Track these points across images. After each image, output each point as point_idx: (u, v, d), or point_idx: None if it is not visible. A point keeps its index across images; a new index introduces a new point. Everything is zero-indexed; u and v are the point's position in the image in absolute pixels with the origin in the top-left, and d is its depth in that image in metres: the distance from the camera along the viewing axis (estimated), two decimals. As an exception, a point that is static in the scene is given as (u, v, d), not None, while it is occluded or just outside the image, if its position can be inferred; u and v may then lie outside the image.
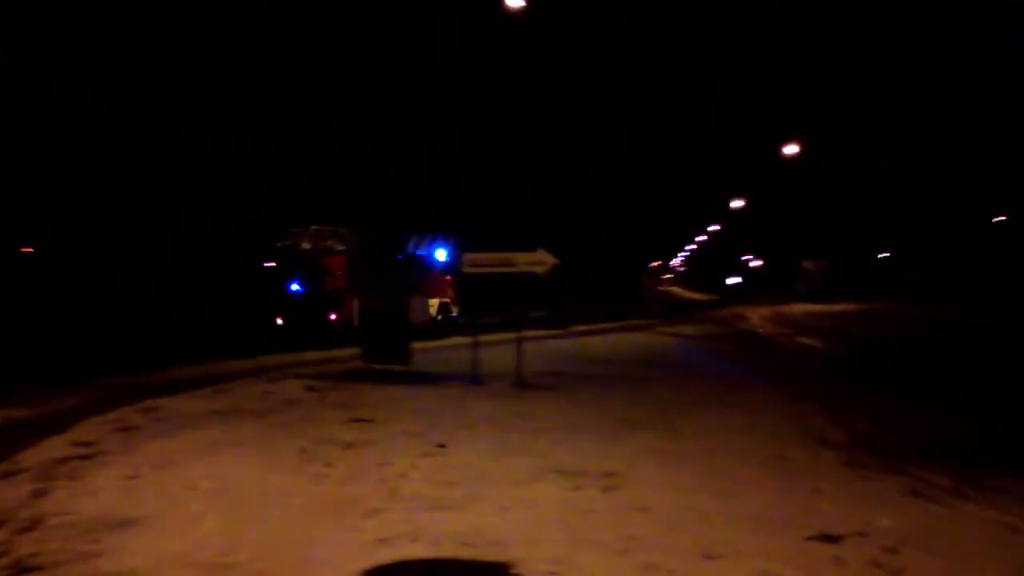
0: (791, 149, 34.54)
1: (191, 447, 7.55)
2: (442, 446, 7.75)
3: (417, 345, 17.03)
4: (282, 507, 5.78)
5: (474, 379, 12.36)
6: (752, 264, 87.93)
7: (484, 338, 17.91)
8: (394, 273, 13.09)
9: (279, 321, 20.54)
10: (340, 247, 21.19)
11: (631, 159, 38.02)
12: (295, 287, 21.01)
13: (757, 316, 37.68)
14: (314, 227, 21.53)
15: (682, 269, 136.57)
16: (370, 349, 13.01)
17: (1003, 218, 48.75)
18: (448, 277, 23.88)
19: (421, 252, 22.78)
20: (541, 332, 23.40)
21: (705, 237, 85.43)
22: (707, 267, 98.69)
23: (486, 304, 13.43)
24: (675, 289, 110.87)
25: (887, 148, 38.91)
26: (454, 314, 24.16)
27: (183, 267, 24.78)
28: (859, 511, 5.75)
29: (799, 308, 46.33)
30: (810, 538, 5.19)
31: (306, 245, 21.27)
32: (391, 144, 30.34)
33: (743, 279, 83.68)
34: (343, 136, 28.60)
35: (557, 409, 10.16)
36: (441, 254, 23.92)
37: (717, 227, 73.57)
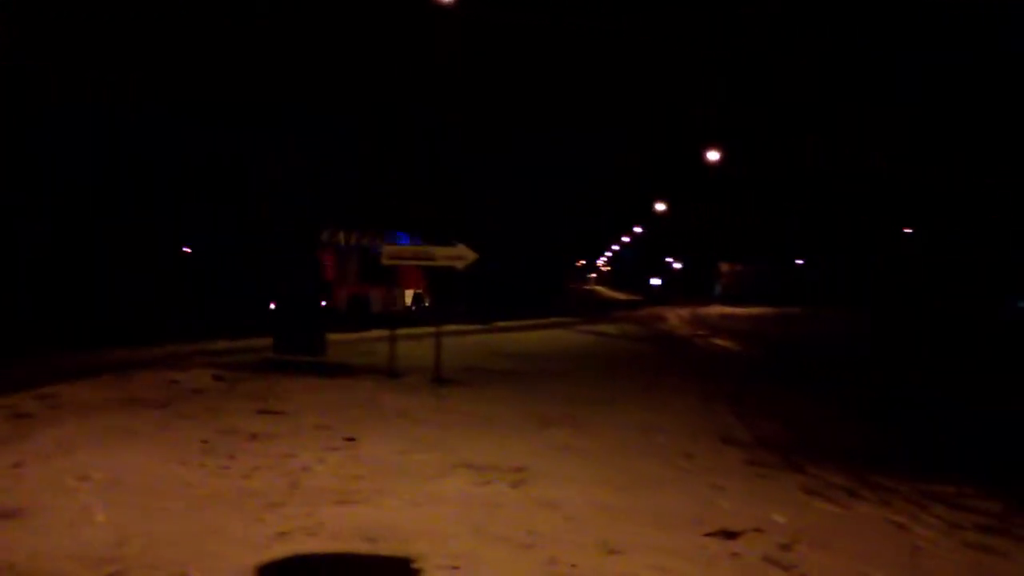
0: (713, 155, 35.57)
1: (85, 436, 7.25)
2: (351, 439, 7.66)
3: (336, 337, 16.83)
4: (179, 499, 5.60)
5: (391, 372, 12.28)
6: (675, 266, 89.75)
7: (405, 331, 17.92)
8: (306, 263, 13.01)
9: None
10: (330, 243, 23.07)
11: (631, 159, 39.60)
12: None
13: (676, 317, 38.48)
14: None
15: (607, 269, 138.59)
16: (282, 340, 12.76)
17: (910, 229, 51.22)
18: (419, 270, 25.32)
19: (375, 249, 23.37)
20: (463, 327, 23.44)
21: (628, 239, 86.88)
22: (631, 267, 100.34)
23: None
24: (600, 288, 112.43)
25: (887, 147, 39.80)
26: (426, 304, 26.34)
27: (183, 265, 25.52)
28: (757, 508, 5.92)
29: (716, 310, 47.55)
30: (709, 534, 5.32)
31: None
32: (391, 144, 31.27)
33: (665, 280, 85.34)
34: (343, 136, 29.49)
35: (472, 404, 10.16)
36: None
37: (640, 229, 74.85)
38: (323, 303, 20.68)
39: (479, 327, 24.23)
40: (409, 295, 25.94)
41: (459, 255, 12.26)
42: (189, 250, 26.65)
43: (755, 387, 13.23)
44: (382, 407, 9.56)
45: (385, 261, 12.31)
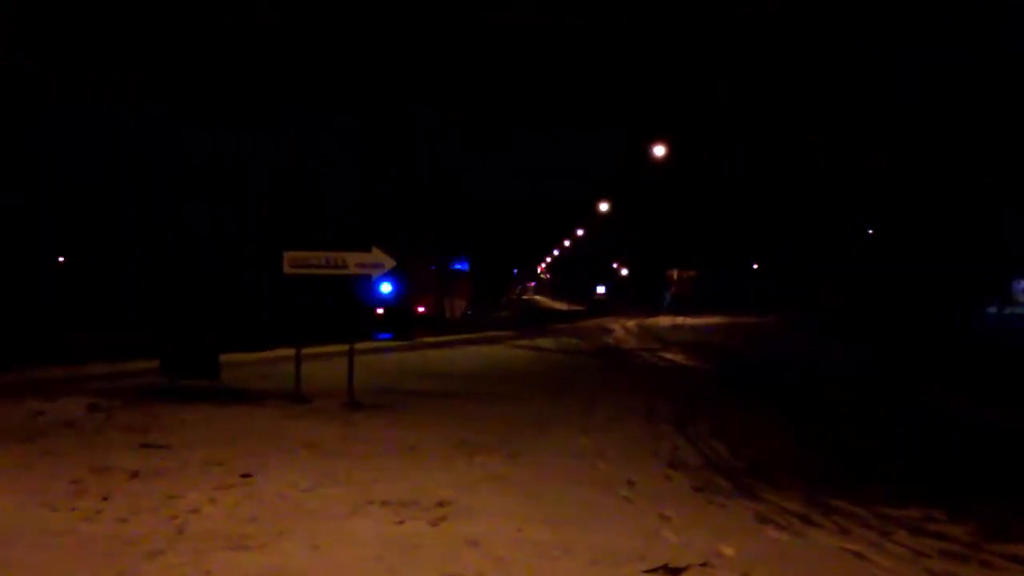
0: (659, 150, 36.39)
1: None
2: (248, 476, 7.54)
3: (236, 357, 16.56)
4: (40, 550, 5.39)
5: (296, 397, 12.14)
6: (622, 272, 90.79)
7: (314, 350, 17.69)
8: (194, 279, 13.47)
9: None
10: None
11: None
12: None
13: (622, 328, 38.91)
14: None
15: (547, 277, 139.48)
16: (170, 361, 12.45)
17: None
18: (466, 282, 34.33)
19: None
20: (383, 344, 23.30)
21: (570, 243, 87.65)
22: (575, 275, 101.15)
23: (310, 312, 13.33)
24: (539, 298, 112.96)
25: (887, 147, 42.08)
26: (469, 312, 34.93)
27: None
28: (705, 540, 6.01)
29: (666, 320, 48.27)
30: (651, 570, 5.37)
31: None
32: (391, 144, 35.04)
33: (610, 288, 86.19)
34: (343, 136, 33.09)
35: (390, 431, 10.11)
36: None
37: (581, 232, 75.60)
38: (421, 310, 32.32)
39: (400, 344, 24.17)
40: (461, 305, 33.25)
41: (375, 262, 12.19)
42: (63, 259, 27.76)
43: (706, 405, 13.44)
44: (285, 437, 9.45)
45: (288, 270, 12.13)
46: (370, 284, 26.35)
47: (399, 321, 31.65)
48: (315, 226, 26.53)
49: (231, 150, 29.77)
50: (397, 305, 32.67)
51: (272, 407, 11.55)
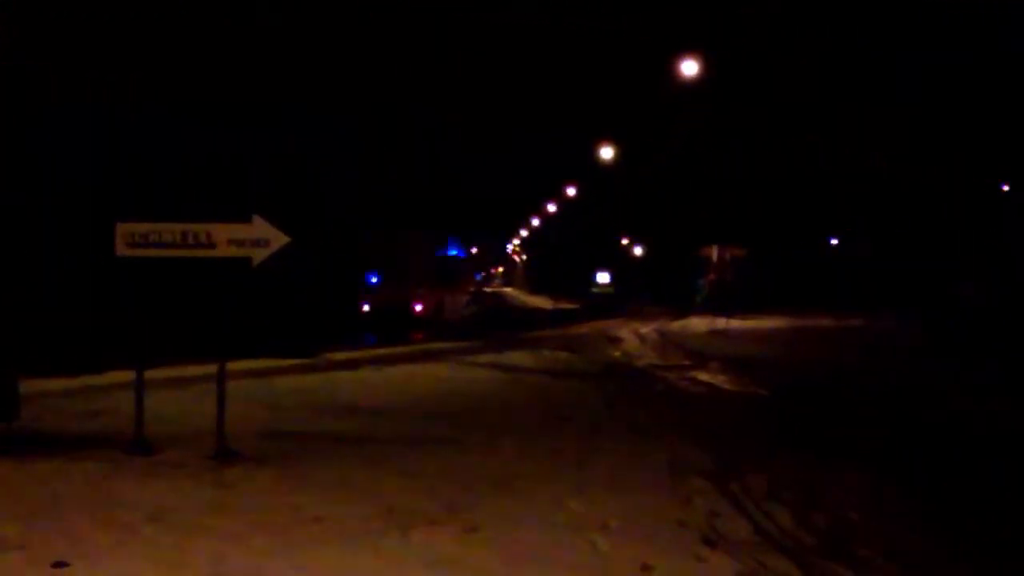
0: (690, 67, 38.33)
1: None
2: (62, 565, 7.53)
3: (48, 385, 16.42)
4: None
5: (137, 444, 12.09)
6: (635, 252, 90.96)
7: (164, 373, 17.54)
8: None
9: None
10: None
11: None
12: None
13: (634, 336, 39.01)
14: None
15: (521, 260, 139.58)
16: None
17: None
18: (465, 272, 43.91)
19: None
20: (272, 363, 23.16)
21: (557, 208, 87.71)
22: (563, 258, 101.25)
23: (161, 310, 13.35)
24: (511, 291, 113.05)
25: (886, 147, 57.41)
26: (470, 309, 41.73)
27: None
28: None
29: (700, 323, 48.45)
30: None
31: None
32: (391, 144, 46.89)
33: (617, 276, 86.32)
34: (343, 136, 43.95)
35: (282, 495, 10.08)
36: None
37: (573, 191, 75.56)
38: (418, 308, 41.73)
39: (298, 362, 24.13)
40: (461, 300, 42.91)
41: (258, 237, 12.11)
42: None
43: (760, 452, 13.48)
44: (120, 506, 9.42)
45: (124, 251, 12.02)
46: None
47: (390, 321, 39.36)
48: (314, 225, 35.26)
49: (231, 150, 39.01)
50: (387, 300, 41.87)
51: (100, 460, 11.46)
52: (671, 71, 42.91)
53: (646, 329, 43.74)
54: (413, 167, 48.58)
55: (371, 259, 43.46)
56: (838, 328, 44.52)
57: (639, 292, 76.41)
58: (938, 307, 47.43)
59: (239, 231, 12.18)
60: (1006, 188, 57.19)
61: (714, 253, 67.14)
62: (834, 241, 74.72)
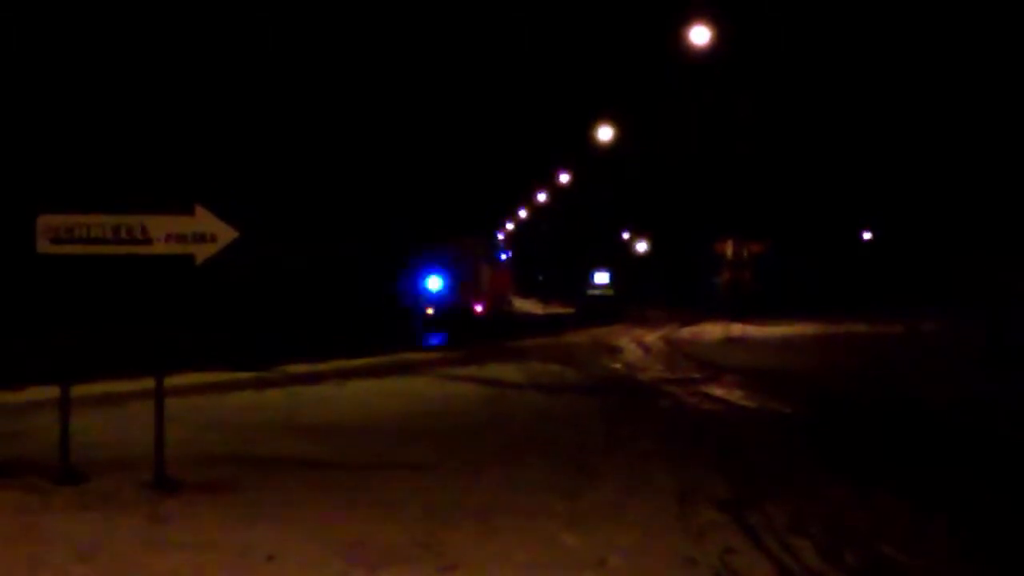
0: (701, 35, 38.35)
1: None
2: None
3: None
4: None
5: (64, 472, 12.06)
6: (638, 249, 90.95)
7: (97, 388, 17.48)
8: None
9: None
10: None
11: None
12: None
13: (637, 345, 39.03)
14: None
15: (507, 255, 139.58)
16: None
17: None
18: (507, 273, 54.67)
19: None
20: (219, 376, 23.16)
21: (547, 197, 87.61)
22: (555, 255, 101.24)
23: (91, 315, 13.30)
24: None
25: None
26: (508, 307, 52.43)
27: None
28: None
29: (714, 330, 48.48)
30: None
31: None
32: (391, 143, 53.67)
33: (617, 276, 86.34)
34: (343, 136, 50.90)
35: (229, 530, 10.09)
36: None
37: (567, 177, 75.48)
38: (479, 309, 52.74)
39: (252, 375, 24.24)
40: (508, 297, 55.09)
41: (200, 232, 12.07)
42: None
43: (782, 478, 13.49)
44: (47, 542, 9.46)
45: (47, 248, 11.99)
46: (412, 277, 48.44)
47: (453, 322, 47.79)
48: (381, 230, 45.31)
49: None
50: (451, 302, 51.75)
51: (21, 491, 11.48)
52: (681, 40, 43.66)
53: (651, 337, 43.79)
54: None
55: (436, 263, 52.66)
56: (874, 335, 44.52)
57: (643, 294, 76.46)
58: (1000, 305, 47.55)
59: (179, 224, 12.15)
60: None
61: (729, 248, 67.08)
62: (867, 235, 74.77)
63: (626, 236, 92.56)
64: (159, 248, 12.21)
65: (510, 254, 62.77)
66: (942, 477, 14.18)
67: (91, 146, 39.49)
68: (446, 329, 44.65)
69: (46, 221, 12.14)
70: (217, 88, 45.42)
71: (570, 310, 71.45)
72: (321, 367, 27.01)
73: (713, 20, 42.23)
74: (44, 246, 12.14)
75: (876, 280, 68.60)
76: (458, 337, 40.66)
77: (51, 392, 14.64)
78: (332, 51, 52.37)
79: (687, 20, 42.06)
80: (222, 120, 45.13)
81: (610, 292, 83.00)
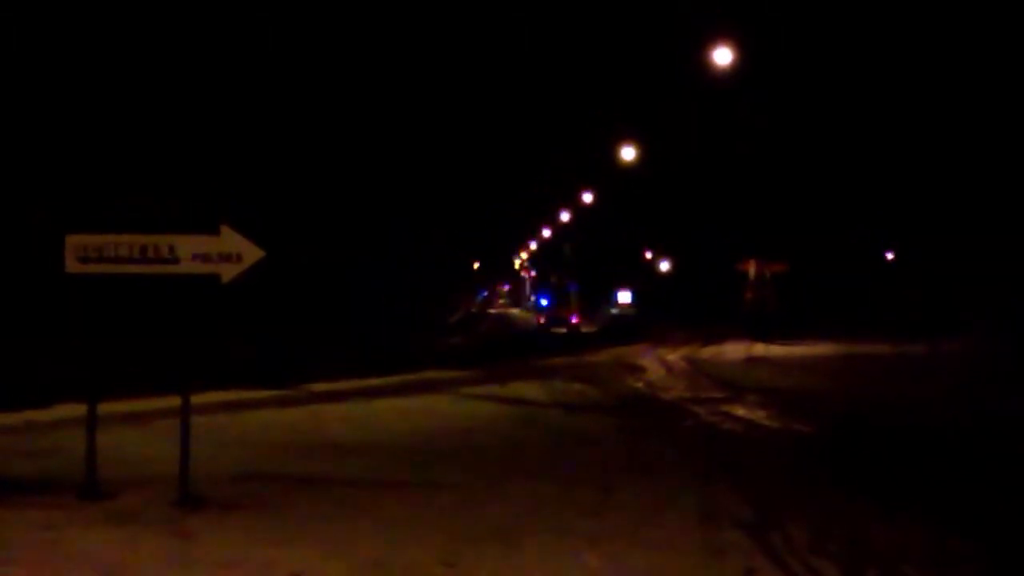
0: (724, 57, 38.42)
1: None
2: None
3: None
4: None
5: (87, 488, 12.09)
6: (661, 268, 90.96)
7: (122, 407, 17.51)
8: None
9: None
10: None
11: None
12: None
13: (660, 364, 38.93)
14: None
15: (531, 275, 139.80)
16: None
17: None
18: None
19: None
20: (246, 395, 23.21)
21: (570, 217, 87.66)
22: (579, 275, 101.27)
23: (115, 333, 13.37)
24: (517, 312, 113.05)
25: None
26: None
27: None
28: None
29: (736, 351, 48.33)
30: None
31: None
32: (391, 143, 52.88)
33: (640, 295, 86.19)
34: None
35: (255, 548, 10.10)
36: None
37: (590, 197, 75.56)
38: (574, 320, 76.75)
39: (275, 394, 24.26)
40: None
41: (226, 252, 12.12)
42: None
43: (804, 498, 13.45)
44: (71, 559, 9.44)
45: (75, 268, 12.05)
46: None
47: (558, 329, 66.88)
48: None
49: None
50: (556, 315, 76.23)
51: (47, 508, 11.49)
52: (703, 62, 44.07)
53: (673, 356, 43.69)
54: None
55: (545, 290, 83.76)
56: (896, 355, 44.32)
57: (665, 313, 76.40)
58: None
59: (205, 244, 12.19)
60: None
61: (752, 269, 66.85)
62: (890, 255, 74.58)
63: (648, 255, 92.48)
64: (186, 268, 12.24)
65: (578, 286, 78.87)
66: (965, 498, 14.13)
67: (95, 153, 38.96)
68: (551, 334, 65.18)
69: (75, 241, 12.20)
70: (229, 96, 45.19)
71: (592, 329, 71.47)
72: (344, 385, 26.99)
73: (735, 39, 42.52)
74: (73, 265, 12.19)
75: (899, 300, 68.31)
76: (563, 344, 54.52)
77: (78, 410, 14.66)
78: (365, 63, 52.88)
79: (710, 40, 42.44)
80: (236, 128, 45.02)
81: (632, 311, 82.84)
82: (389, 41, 52.53)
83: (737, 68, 45.12)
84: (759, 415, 23.34)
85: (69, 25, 39.03)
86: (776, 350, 48.35)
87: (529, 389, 27.74)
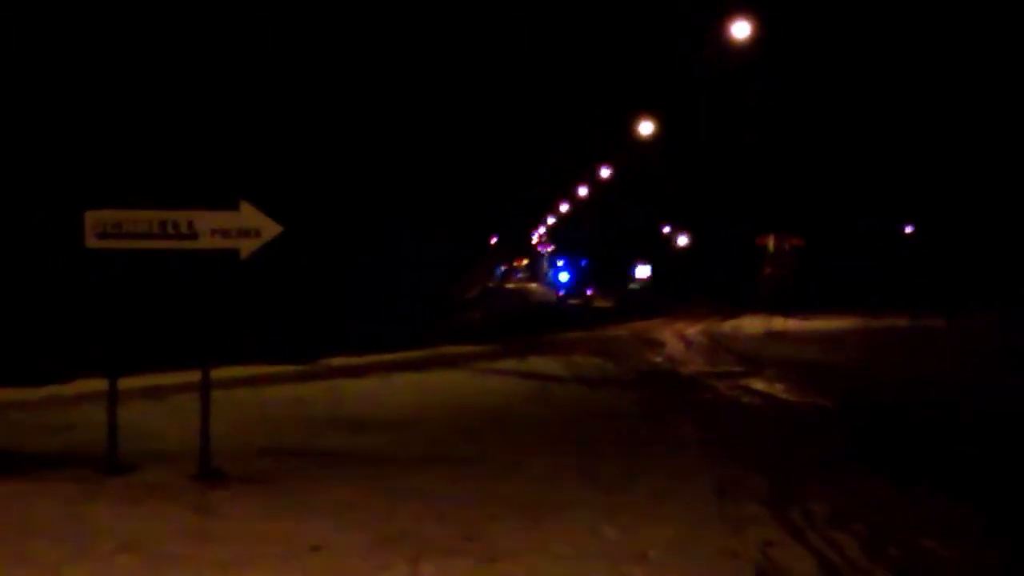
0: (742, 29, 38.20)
1: None
2: (25, 600, 7.56)
3: (4, 396, 16.51)
4: None
5: (109, 463, 12.13)
6: (679, 243, 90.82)
7: (139, 382, 17.57)
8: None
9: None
10: None
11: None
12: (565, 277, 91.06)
13: (678, 339, 38.92)
14: None
15: (549, 250, 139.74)
16: None
17: None
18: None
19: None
20: (265, 369, 23.25)
21: (588, 191, 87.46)
22: (597, 249, 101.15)
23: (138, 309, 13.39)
24: (535, 287, 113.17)
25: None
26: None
27: None
28: None
29: (755, 325, 48.28)
30: None
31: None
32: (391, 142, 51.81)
33: (658, 269, 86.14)
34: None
35: (275, 521, 10.14)
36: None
37: (608, 171, 75.34)
38: (589, 292, 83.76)
39: (294, 368, 24.28)
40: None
41: (245, 228, 12.14)
42: None
43: (823, 471, 13.44)
44: (90, 534, 9.47)
45: (95, 243, 12.09)
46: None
47: (576, 303, 73.02)
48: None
49: None
50: (575, 291, 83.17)
51: (69, 481, 11.53)
52: (722, 33, 43.77)
53: (691, 330, 43.66)
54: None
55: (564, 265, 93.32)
56: (916, 329, 44.24)
57: (683, 287, 76.27)
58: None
59: (224, 219, 12.23)
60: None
61: (771, 243, 66.71)
62: (909, 229, 74.33)
63: (667, 230, 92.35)
64: (205, 243, 12.27)
65: (589, 260, 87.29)
66: (983, 474, 14.10)
67: (97, 143, 38.70)
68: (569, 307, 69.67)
69: (94, 216, 12.24)
70: (229, 96, 43.92)
71: (610, 304, 71.45)
72: (362, 360, 27.00)
73: (757, 15, 42.46)
74: (92, 241, 12.23)
75: (918, 274, 68.06)
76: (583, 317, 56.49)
77: (99, 385, 14.75)
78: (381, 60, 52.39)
79: (730, 14, 42.39)
80: (236, 128, 43.72)
81: (651, 285, 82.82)
82: (389, 41, 52.34)
83: (760, 44, 45.55)
84: (778, 389, 23.32)
85: (69, 24, 38.02)
86: (795, 324, 48.27)
87: (547, 364, 27.75)
